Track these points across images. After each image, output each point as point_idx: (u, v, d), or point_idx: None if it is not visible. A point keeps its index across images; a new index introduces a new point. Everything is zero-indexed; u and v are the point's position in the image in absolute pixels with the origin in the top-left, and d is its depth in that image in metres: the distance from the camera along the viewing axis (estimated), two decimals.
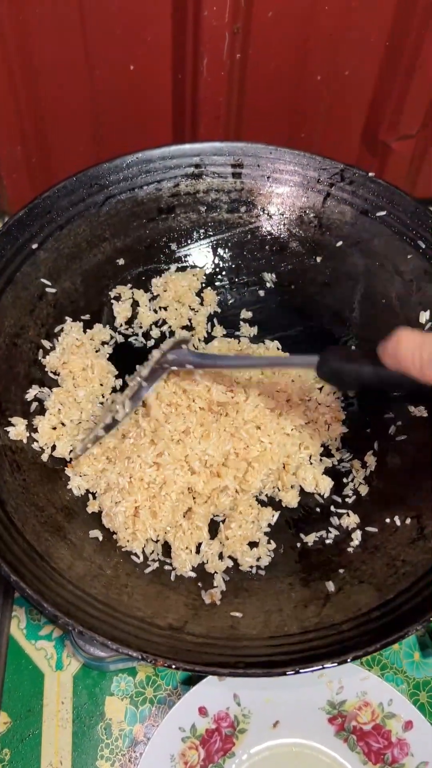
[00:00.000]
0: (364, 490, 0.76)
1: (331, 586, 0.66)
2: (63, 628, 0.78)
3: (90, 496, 0.73)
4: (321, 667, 0.56)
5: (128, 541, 0.69)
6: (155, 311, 0.88)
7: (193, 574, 0.69)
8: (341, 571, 0.68)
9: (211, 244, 0.90)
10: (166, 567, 0.70)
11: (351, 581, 0.67)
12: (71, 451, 0.74)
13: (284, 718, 0.73)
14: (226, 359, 0.78)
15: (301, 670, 0.56)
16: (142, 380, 0.74)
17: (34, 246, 0.78)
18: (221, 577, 0.69)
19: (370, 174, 0.84)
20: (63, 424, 0.75)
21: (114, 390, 0.82)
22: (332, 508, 0.75)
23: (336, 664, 0.56)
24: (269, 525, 0.74)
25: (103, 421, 0.73)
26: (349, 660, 0.56)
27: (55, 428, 0.74)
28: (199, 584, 0.68)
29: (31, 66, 0.92)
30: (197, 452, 0.72)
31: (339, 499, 0.76)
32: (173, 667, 0.55)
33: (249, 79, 0.96)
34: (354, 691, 0.73)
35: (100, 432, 0.73)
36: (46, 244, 0.79)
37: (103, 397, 0.80)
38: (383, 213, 0.84)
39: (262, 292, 0.89)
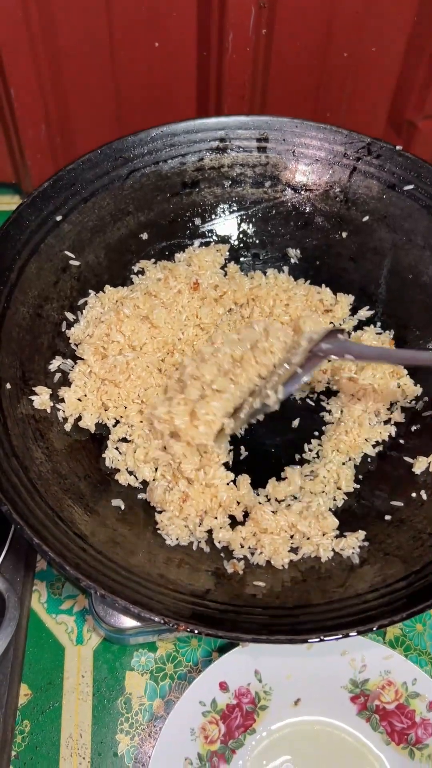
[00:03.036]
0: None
1: (355, 558, 0.65)
2: (85, 591, 0.78)
3: (120, 469, 0.73)
4: (346, 634, 0.55)
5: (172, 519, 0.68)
6: None
7: (217, 545, 0.68)
8: (366, 543, 0.67)
9: (235, 219, 0.89)
10: (191, 538, 0.69)
11: (376, 554, 0.65)
12: (98, 424, 0.75)
13: (306, 695, 0.72)
14: (391, 353, 0.72)
15: (325, 638, 0.55)
16: (297, 367, 0.69)
17: (59, 218, 0.78)
18: (245, 551, 0.68)
19: (398, 147, 0.83)
20: (87, 396, 0.75)
21: None
22: (360, 477, 0.75)
23: (361, 632, 0.55)
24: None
25: (250, 405, 0.71)
26: (374, 628, 0.55)
27: (80, 399, 0.74)
28: (222, 554, 0.67)
29: (55, 45, 0.92)
30: None
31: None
32: (196, 632, 0.55)
33: (274, 55, 0.96)
34: (377, 670, 0.72)
35: (244, 416, 0.71)
36: (71, 216, 0.79)
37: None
38: (411, 187, 0.82)
39: (286, 268, 0.88)
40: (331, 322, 0.84)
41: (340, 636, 0.55)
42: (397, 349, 0.74)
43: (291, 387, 0.69)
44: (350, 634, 0.55)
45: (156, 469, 0.72)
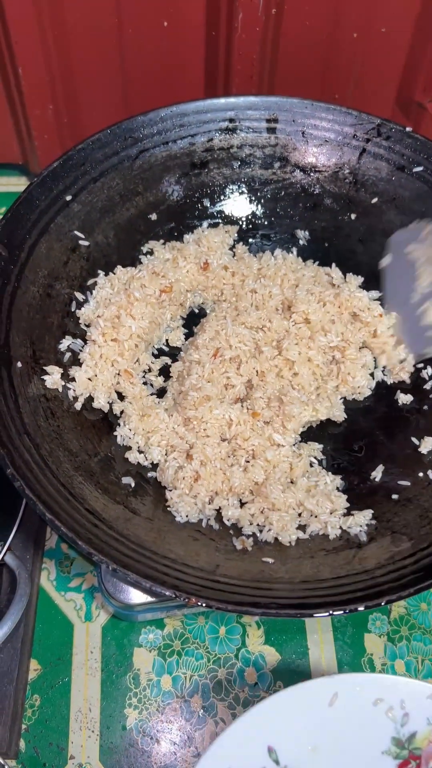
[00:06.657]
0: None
1: (363, 536, 0.66)
2: (95, 567, 0.79)
3: (131, 447, 0.74)
4: (354, 609, 0.56)
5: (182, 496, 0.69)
6: None
7: (226, 522, 0.69)
8: (373, 522, 0.68)
9: (244, 200, 0.89)
10: (200, 516, 0.70)
11: (383, 532, 0.66)
12: (110, 404, 0.75)
13: None
14: None
15: (333, 612, 0.55)
16: None
17: (68, 198, 0.78)
18: (253, 528, 0.69)
19: (408, 129, 0.83)
20: (97, 376, 0.76)
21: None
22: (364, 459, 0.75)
23: (369, 607, 0.56)
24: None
25: None
26: (382, 603, 0.56)
27: (90, 379, 0.75)
28: (231, 531, 0.68)
29: (64, 25, 0.92)
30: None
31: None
32: (205, 605, 0.55)
33: (283, 35, 0.95)
34: (423, 717, 0.56)
35: None
36: (80, 196, 0.79)
37: (137, 347, 0.79)
38: (420, 169, 0.82)
39: (295, 249, 0.88)
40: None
41: (350, 610, 0.56)
42: None
43: None
44: (358, 608, 0.56)
45: (166, 452, 0.73)
